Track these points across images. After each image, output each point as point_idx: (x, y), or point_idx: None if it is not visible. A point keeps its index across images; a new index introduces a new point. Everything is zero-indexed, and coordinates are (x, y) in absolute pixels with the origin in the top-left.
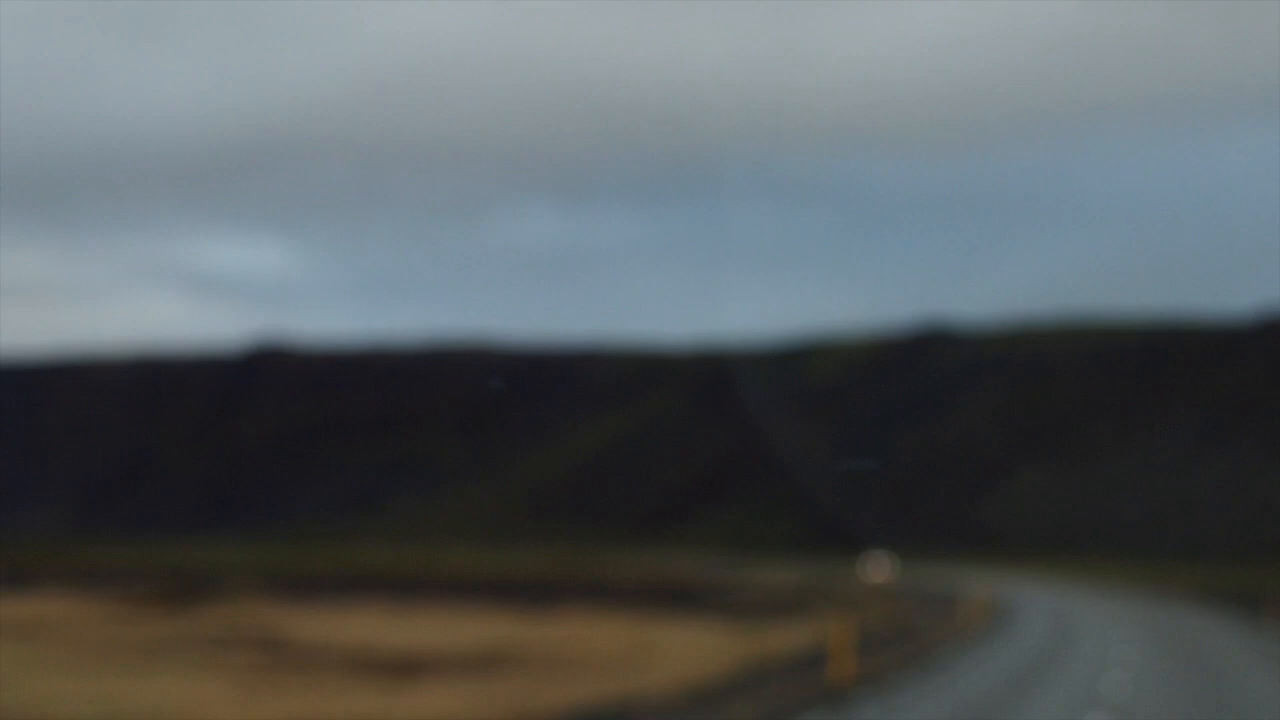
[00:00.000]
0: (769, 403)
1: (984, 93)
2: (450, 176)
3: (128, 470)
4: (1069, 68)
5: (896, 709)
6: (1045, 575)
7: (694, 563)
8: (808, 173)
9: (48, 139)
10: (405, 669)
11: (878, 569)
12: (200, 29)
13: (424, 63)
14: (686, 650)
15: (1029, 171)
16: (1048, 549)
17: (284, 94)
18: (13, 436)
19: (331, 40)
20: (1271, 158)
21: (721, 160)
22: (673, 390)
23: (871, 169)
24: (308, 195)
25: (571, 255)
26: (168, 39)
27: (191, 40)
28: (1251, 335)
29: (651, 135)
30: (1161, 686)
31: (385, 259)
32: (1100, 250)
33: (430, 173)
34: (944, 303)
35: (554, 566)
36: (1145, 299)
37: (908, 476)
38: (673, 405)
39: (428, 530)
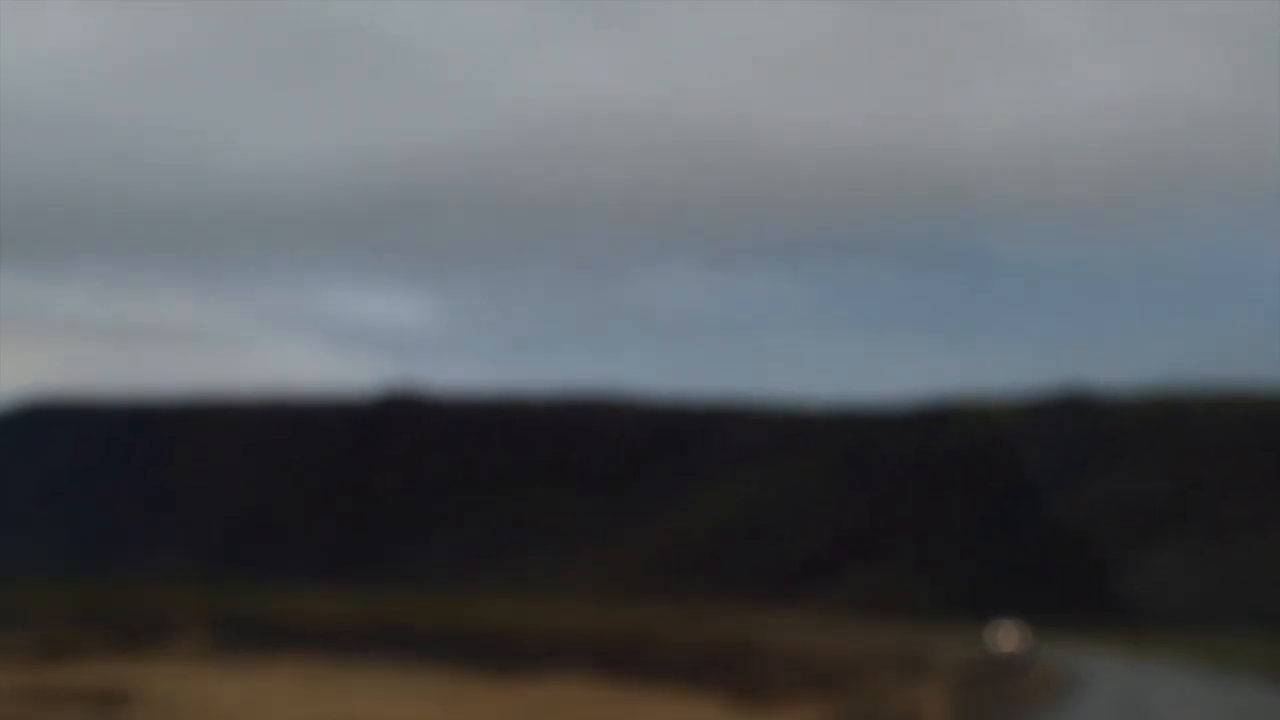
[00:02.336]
0: (906, 468)
1: (1133, 159)
2: (594, 232)
3: (256, 516)
4: (1222, 136)
5: None
6: (1172, 654)
7: (787, 626)
8: (950, 236)
9: (192, 186)
10: None
11: (1007, 638)
12: (347, 80)
13: (572, 117)
14: None
15: (1177, 239)
16: (1186, 625)
17: (429, 146)
18: (145, 479)
19: (479, 92)
20: None
21: (865, 223)
22: (810, 453)
23: (1016, 233)
24: (450, 248)
25: (712, 315)
26: (315, 89)
27: (338, 91)
28: None
29: (796, 198)
30: None
31: (526, 313)
32: (1247, 321)
33: (574, 228)
34: (1087, 370)
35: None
36: None
37: (1045, 545)
38: (810, 468)
39: (555, 588)
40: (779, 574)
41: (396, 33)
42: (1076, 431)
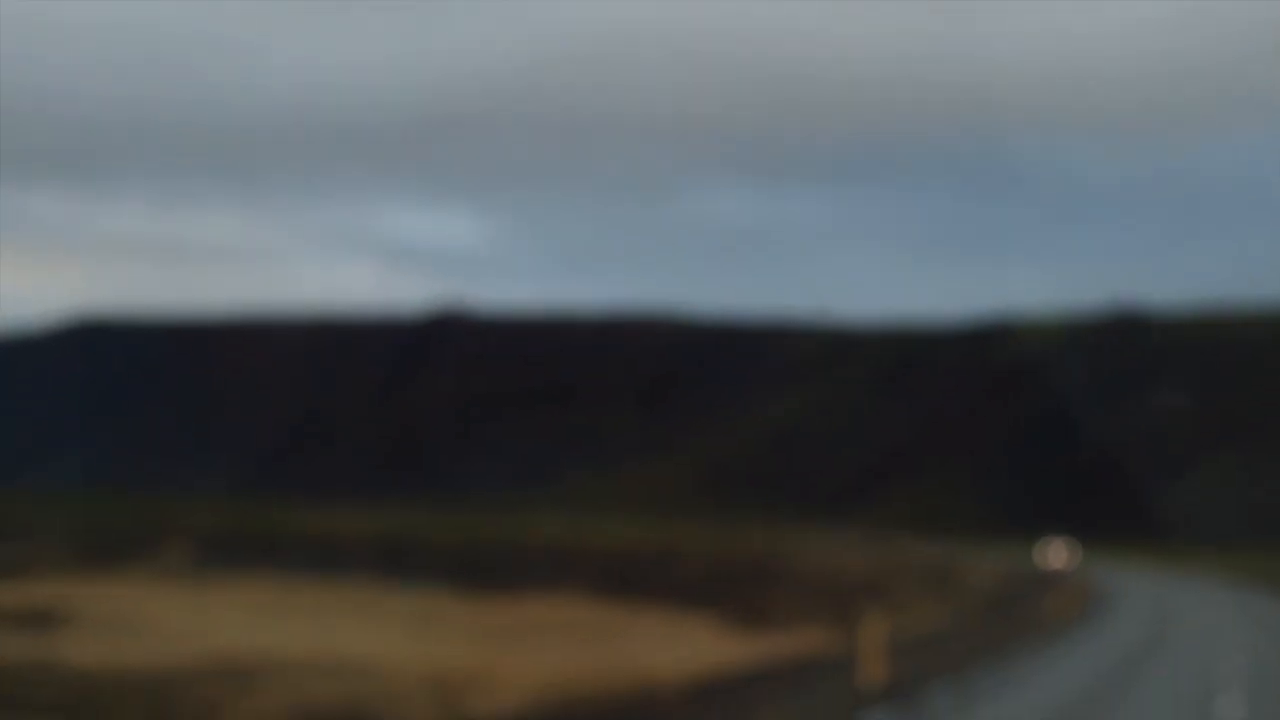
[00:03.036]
0: (953, 384)
1: (1186, 76)
2: (643, 150)
3: (303, 431)
4: (1274, 50)
5: None
6: (1213, 570)
7: (832, 540)
8: (1004, 156)
9: (243, 107)
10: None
11: (1056, 555)
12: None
13: (621, 35)
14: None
15: (1230, 156)
16: (1235, 541)
17: (479, 65)
18: (192, 396)
19: (529, 11)
20: None
21: (916, 143)
22: (859, 368)
23: (1069, 152)
24: (499, 166)
25: (761, 232)
26: (367, 7)
27: (389, 9)
28: None
29: (847, 116)
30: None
31: (573, 231)
32: None
33: (623, 146)
34: (1139, 287)
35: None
36: None
37: (1091, 462)
38: (858, 383)
39: (601, 503)
40: (825, 489)
41: None
42: (1124, 349)
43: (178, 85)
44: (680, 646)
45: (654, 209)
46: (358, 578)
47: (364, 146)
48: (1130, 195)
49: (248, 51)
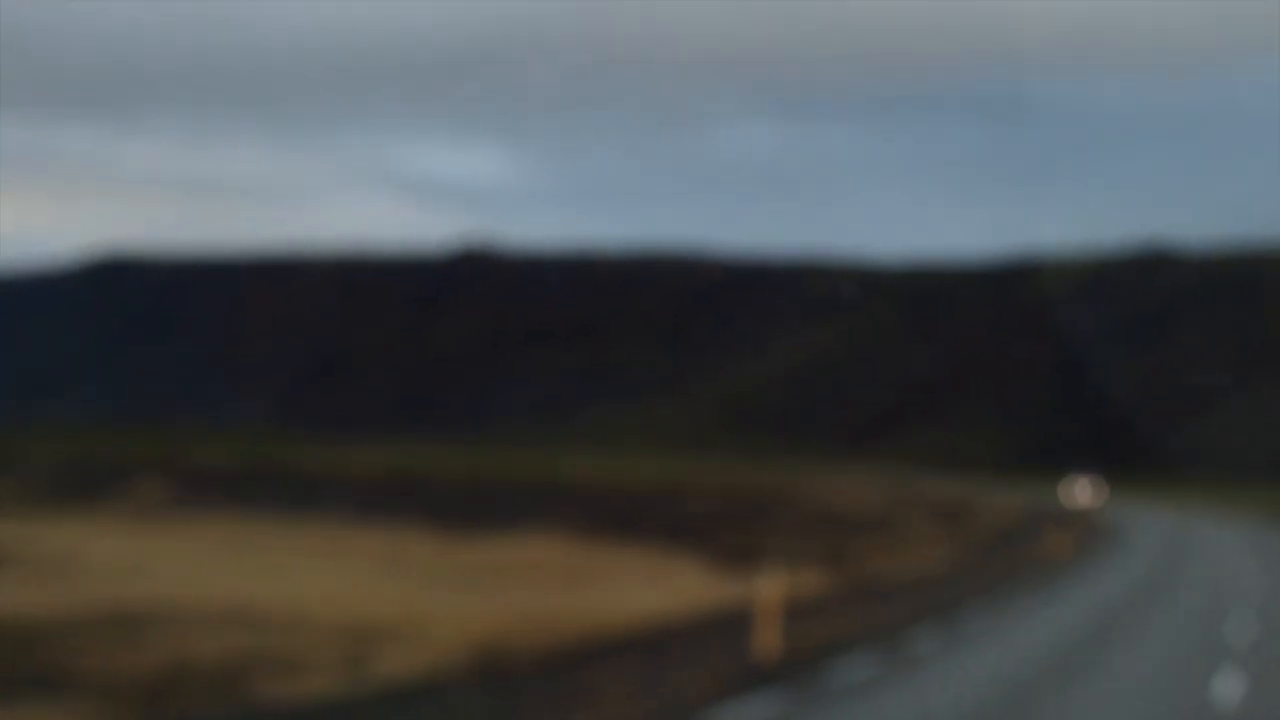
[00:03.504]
0: (981, 320)
1: (1213, 11)
2: (671, 88)
3: (328, 368)
4: None
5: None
6: (1238, 507)
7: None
8: (1032, 91)
9: (274, 43)
10: None
11: (1082, 492)
12: None
13: None
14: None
15: (1258, 92)
16: (1261, 478)
17: (509, 1)
18: (219, 332)
19: None
20: None
21: (945, 79)
22: (884, 305)
23: (1097, 88)
24: (527, 103)
25: (787, 169)
26: None
27: None
28: None
29: (874, 53)
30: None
31: (601, 167)
32: None
33: (652, 83)
34: (1166, 224)
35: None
36: None
37: (1122, 399)
38: (883, 320)
39: (624, 439)
40: (849, 427)
41: None
42: (1152, 286)
43: (209, 21)
44: (654, 590)
45: (682, 145)
46: (343, 516)
47: (394, 83)
48: (1159, 132)
49: None
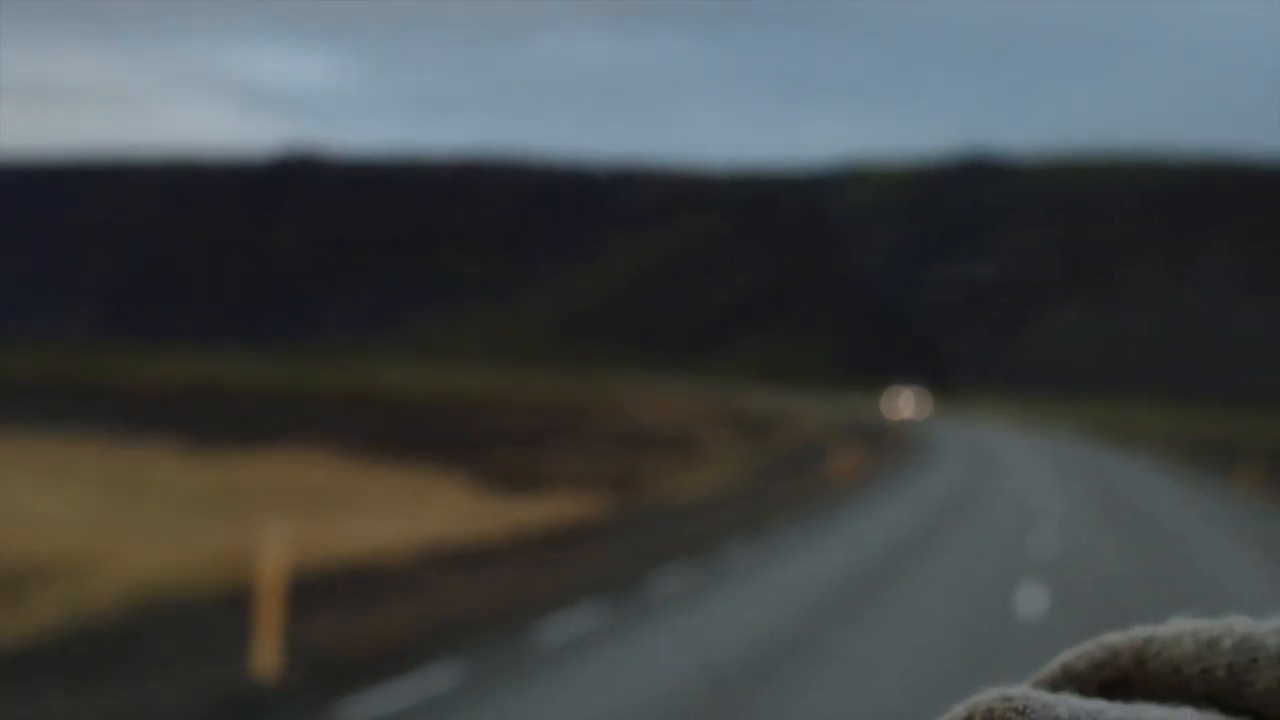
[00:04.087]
0: (808, 229)
1: None
2: None
3: (151, 276)
4: None
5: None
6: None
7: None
8: (854, 1)
9: None
10: None
11: (905, 404)
12: None
13: None
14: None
15: (1082, 5)
16: (1085, 388)
17: None
18: (42, 239)
19: None
20: None
21: None
22: (711, 214)
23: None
24: (353, 8)
25: (615, 78)
26: None
27: None
28: None
29: None
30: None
31: (427, 74)
32: (1152, 87)
33: None
34: (990, 134)
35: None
36: (1196, 138)
37: (946, 310)
38: (711, 229)
39: (454, 350)
40: (679, 338)
41: None
42: (979, 193)
43: None
44: (406, 517)
45: (510, 54)
46: (110, 429)
47: None
48: (984, 41)
49: None
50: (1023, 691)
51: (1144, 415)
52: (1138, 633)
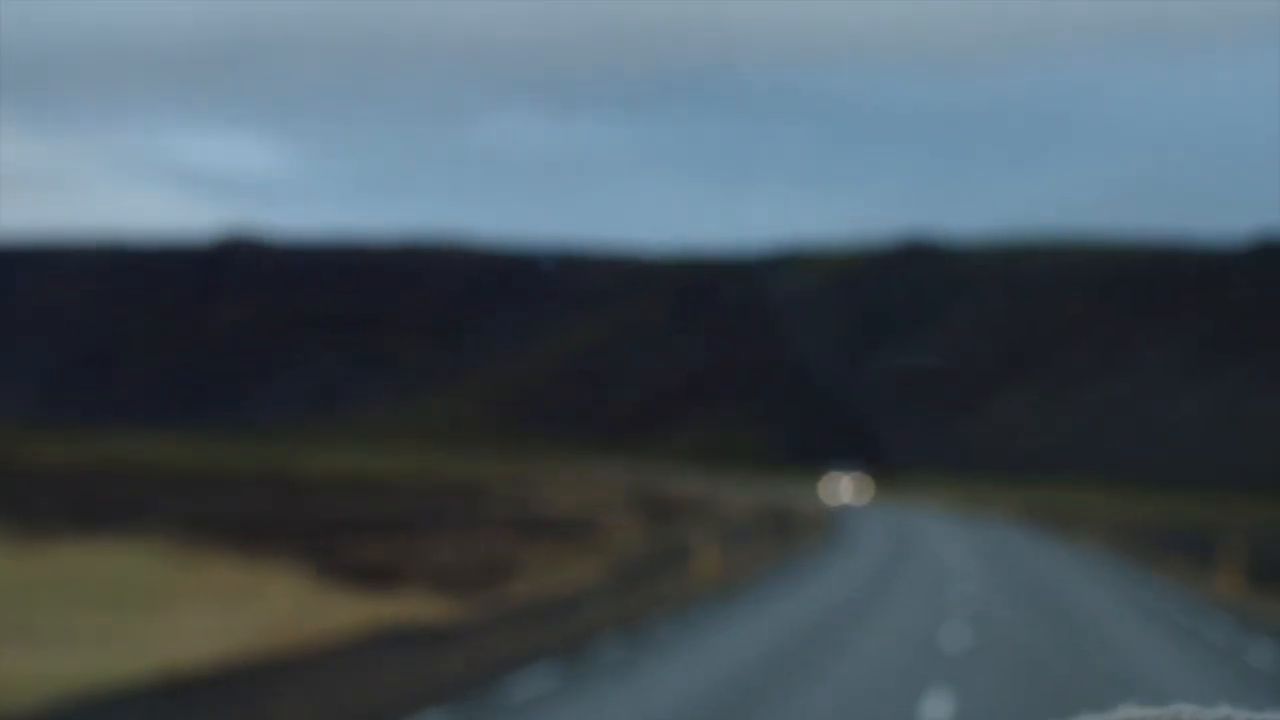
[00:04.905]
0: (748, 313)
1: (977, 8)
2: (437, 78)
3: (91, 359)
4: None
5: None
6: (981, 504)
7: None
8: (794, 85)
9: (33, 28)
10: None
11: (844, 489)
12: None
13: None
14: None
15: (1021, 89)
16: (1029, 473)
17: None
18: None
19: None
20: (1266, 82)
21: (708, 72)
22: (651, 298)
23: (860, 82)
24: (293, 92)
25: (554, 161)
26: None
27: None
28: (1243, 259)
29: (638, 46)
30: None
31: (368, 158)
32: (1091, 170)
33: (417, 74)
34: (930, 218)
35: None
36: (1136, 221)
37: (887, 394)
38: (650, 313)
39: (391, 432)
40: (614, 420)
41: None
42: (919, 278)
43: None
44: (222, 615)
45: (447, 137)
46: None
47: (159, 72)
48: (924, 125)
49: None
50: None
51: (1086, 499)
52: None
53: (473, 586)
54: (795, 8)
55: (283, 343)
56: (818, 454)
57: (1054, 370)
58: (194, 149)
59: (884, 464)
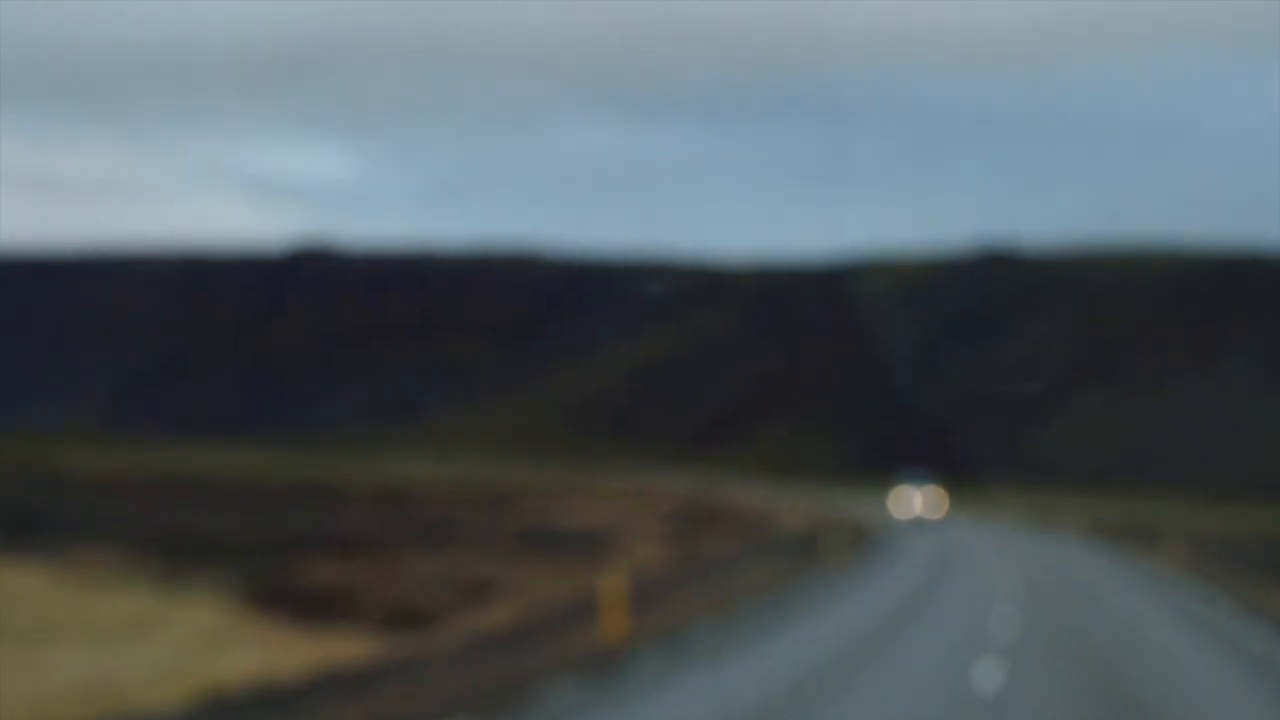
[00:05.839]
0: (825, 321)
1: (1056, 12)
2: (513, 85)
3: (163, 369)
4: None
5: None
6: (1063, 518)
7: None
8: (872, 91)
9: (111, 36)
10: None
11: (917, 501)
12: None
13: None
14: None
15: (1101, 93)
16: (1103, 481)
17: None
18: (51, 330)
19: None
20: None
21: (787, 78)
22: (727, 306)
23: (938, 87)
24: (369, 100)
25: (629, 169)
26: None
27: None
28: None
29: (716, 51)
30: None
31: (443, 166)
32: (1171, 176)
33: (493, 80)
34: (1007, 225)
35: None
36: (1215, 227)
37: (965, 402)
38: (724, 322)
39: (463, 441)
40: (687, 429)
41: None
42: (995, 287)
43: (47, 16)
44: (95, 656)
45: (522, 144)
46: None
47: (234, 81)
48: (1002, 131)
49: None
50: None
51: (1162, 510)
52: None
53: (425, 617)
54: (875, 12)
55: (355, 351)
56: (895, 463)
57: (1130, 379)
58: (267, 157)
59: (961, 473)
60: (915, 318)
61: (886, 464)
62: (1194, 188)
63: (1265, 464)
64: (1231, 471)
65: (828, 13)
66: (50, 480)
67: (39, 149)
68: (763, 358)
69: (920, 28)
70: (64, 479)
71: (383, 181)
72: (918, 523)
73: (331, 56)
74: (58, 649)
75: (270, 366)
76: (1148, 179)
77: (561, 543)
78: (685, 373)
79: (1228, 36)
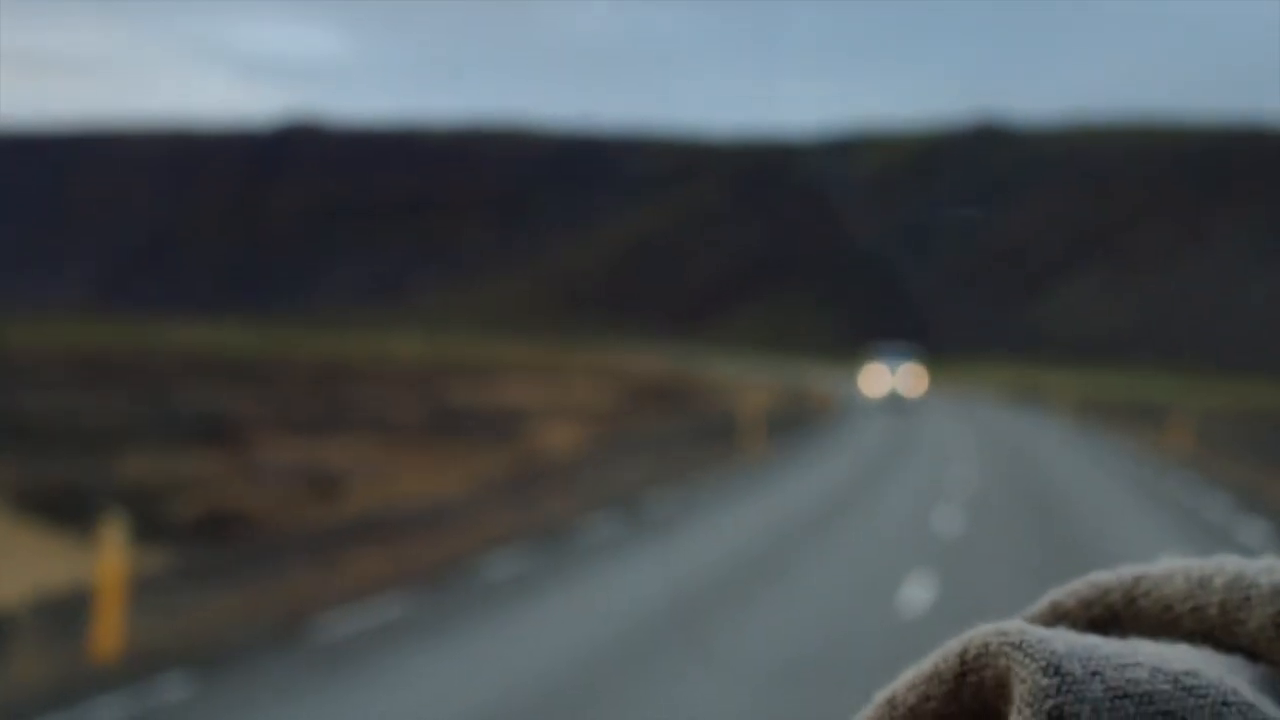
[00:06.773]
0: (812, 197)
1: None
2: None
3: (152, 246)
4: None
5: None
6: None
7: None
8: None
9: None
10: None
11: (893, 379)
12: None
13: None
14: None
15: None
16: (1095, 357)
17: None
18: (39, 209)
19: None
20: None
21: None
22: (713, 182)
23: None
24: None
25: (619, 45)
26: None
27: None
28: None
29: None
30: None
31: (431, 42)
32: (1166, 51)
33: None
34: (1002, 99)
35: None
36: (1208, 103)
37: (952, 277)
38: (713, 197)
39: (452, 319)
40: (675, 307)
41: None
42: (990, 161)
43: None
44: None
45: (512, 20)
46: None
47: None
48: (996, 4)
49: None
50: (1018, 625)
51: (1154, 385)
52: (1128, 571)
53: (245, 520)
54: None
55: (343, 228)
56: (879, 338)
57: (1123, 254)
58: (255, 34)
59: (943, 349)
60: (905, 194)
61: (872, 340)
62: (1190, 62)
63: (1257, 339)
64: (1223, 347)
65: None
66: None
67: (22, 26)
68: (752, 234)
69: None
70: None
71: (371, 58)
72: (890, 402)
73: None
74: None
75: (260, 244)
76: (1143, 53)
77: (473, 425)
78: (676, 249)
79: None
